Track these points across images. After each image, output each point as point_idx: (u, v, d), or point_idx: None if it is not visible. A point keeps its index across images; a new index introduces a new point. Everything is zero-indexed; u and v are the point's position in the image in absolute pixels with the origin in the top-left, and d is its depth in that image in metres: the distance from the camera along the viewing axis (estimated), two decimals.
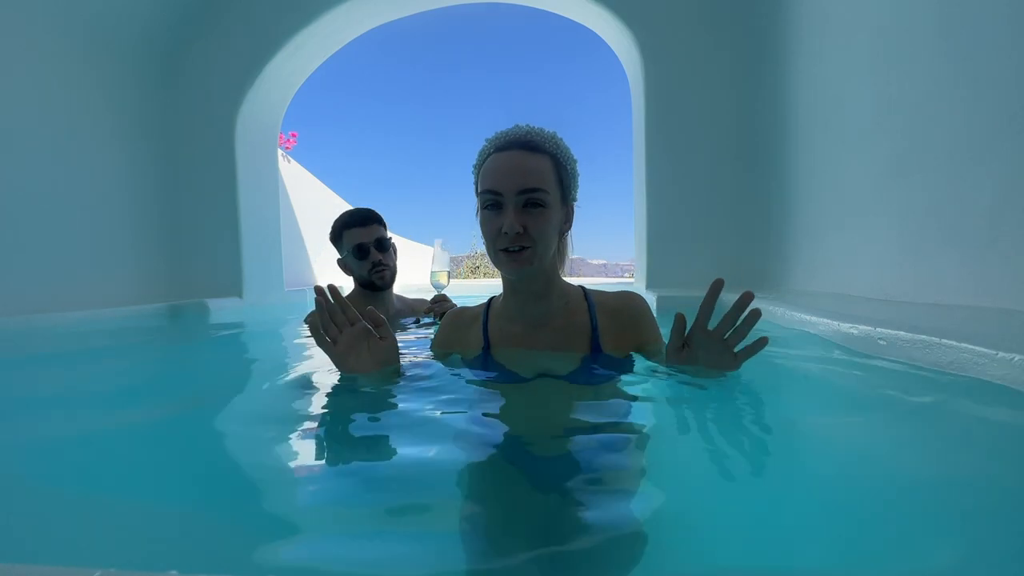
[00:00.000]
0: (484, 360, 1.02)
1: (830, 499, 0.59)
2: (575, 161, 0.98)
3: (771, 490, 0.61)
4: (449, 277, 1.97)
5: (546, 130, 0.96)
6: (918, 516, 0.53)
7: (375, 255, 1.77)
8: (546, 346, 0.99)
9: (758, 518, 0.54)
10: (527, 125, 0.96)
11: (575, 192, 0.99)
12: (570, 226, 1.00)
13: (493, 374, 0.97)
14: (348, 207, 6.97)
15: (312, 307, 1.93)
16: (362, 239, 1.77)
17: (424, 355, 1.17)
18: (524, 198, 0.88)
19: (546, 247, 0.91)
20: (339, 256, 1.86)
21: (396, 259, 1.88)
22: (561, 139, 0.97)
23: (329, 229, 1.86)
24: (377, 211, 1.85)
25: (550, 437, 0.72)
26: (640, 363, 1.02)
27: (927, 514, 0.54)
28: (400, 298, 2.01)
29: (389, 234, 1.88)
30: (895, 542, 0.48)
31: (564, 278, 1.05)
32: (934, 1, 1.71)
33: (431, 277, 1.97)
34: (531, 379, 0.93)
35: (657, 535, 0.50)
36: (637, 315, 1.02)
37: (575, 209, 1.01)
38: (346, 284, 1.90)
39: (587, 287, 1.06)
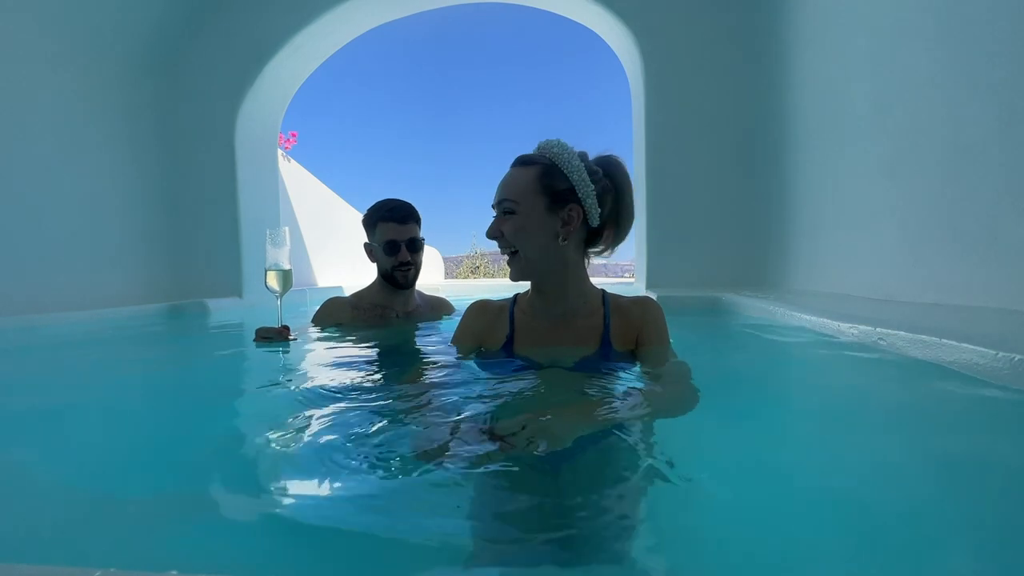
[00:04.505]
0: (507, 350, 1.07)
1: (830, 499, 0.58)
2: (577, 168, 0.96)
3: (770, 490, 0.61)
4: (286, 281, 1.52)
5: (551, 142, 1.00)
6: (919, 516, 0.53)
7: (405, 254, 1.74)
8: (564, 343, 1.05)
9: (756, 520, 0.54)
10: (544, 142, 1.02)
11: (580, 194, 0.96)
12: (571, 229, 0.97)
13: (514, 365, 1.03)
14: (347, 207, 7.00)
15: (310, 307, 1.95)
16: (396, 236, 1.73)
17: (440, 356, 1.19)
18: (501, 208, 0.99)
19: (528, 251, 0.98)
20: (367, 241, 1.83)
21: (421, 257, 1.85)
22: (562, 148, 0.99)
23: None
24: (416, 208, 1.81)
25: None
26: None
27: (928, 513, 0.54)
28: (420, 294, 1.98)
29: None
30: (896, 542, 0.48)
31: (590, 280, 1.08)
32: (933, 4, 1.71)
33: (265, 278, 1.55)
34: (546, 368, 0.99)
35: (653, 530, 0.50)
36: (645, 315, 1.05)
37: (581, 212, 0.97)
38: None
39: (607, 291, 1.10)
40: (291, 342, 1.52)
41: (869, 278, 2.07)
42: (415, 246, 1.78)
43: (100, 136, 3.14)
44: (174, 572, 0.33)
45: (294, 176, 5.41)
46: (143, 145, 3.46)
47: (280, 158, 4.61)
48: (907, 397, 0.95)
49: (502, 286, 4.77)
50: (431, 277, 10.50)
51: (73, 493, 0.64)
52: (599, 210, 0.97)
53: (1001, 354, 0.85)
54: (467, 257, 12.77)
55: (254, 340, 1.53)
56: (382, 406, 0.91)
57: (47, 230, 2.75)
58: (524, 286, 1.10)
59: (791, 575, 0.46)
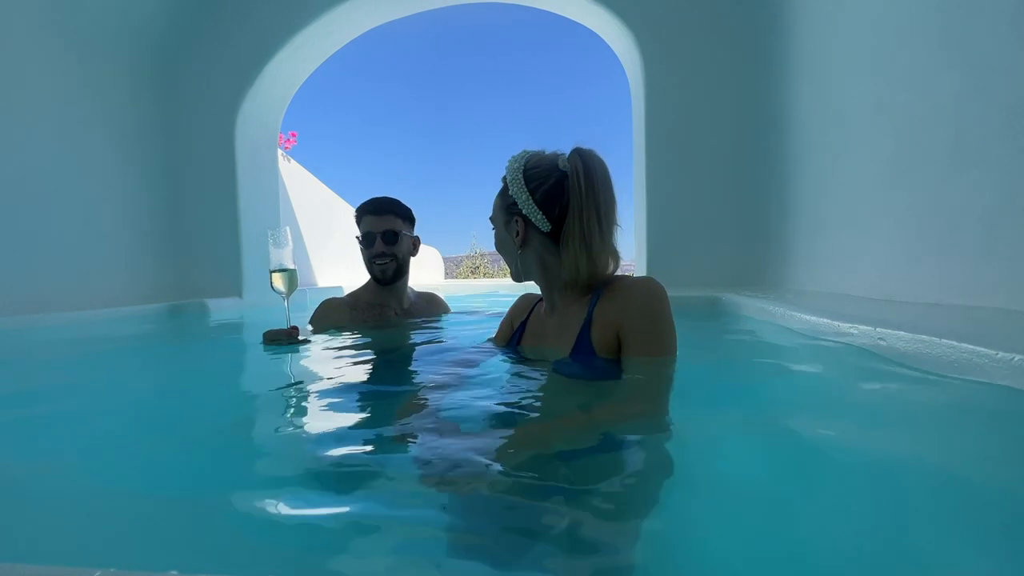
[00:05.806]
0: (514, 342, 1.18)
1: (828, 500, 0.58)
2: (512, 182, 1.01)
3: (768, 492, 0.61)
4: (291, 282, 1.53)
5: (512, 157, 1.05)
6: (918, 515, 0.53)
7: (380, 246, 1.68)
8: (549, 333, 1.07)
9: (753, 524, 0.54)
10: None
11: (520, 205, 1.00)
12: (520, 239, 1.03)
13: (509, 356, 1.13)
14: (348, 207, 7.01)
15: (311, 307, 1.94)
16: (370, 228, 1.69)
17: (440, 360, 1.20)
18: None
19: (506, 259, 1.12)
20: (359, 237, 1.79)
21: (412, 253, 1.79)
22: (511, 163, 1.04)
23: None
24: (402, 203, 1.75)
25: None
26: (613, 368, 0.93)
27: (927, 513, 0.54)
28: (413, 291, 1.93)
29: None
30: (896, 541, 0.48)
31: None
32: (934, 4, 1.71)
33: (270, 280, 1.54)
34: (531, 362, 1.06)
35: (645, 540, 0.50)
36: (625, 309, 0.91)
37: (528, 219, 1.00)
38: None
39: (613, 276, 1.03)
40: (300, 343, 1.52)
41: (869, 278, 2.07)
42: (391, 238, 1.70)
43: (100, 136, 3.14)
44: (174, 572, 0.33)
45: (294, 176, 5.42)
46: (143, 145, 3.46)
47: (280, 158, 4.62)
48: (907, 397, 0.95)
49: (502, 286, 4.77)
50: (431, 277, 10.49)
51: (73, 493, 0.64)
52: (540, 214, 0.98)
53: (1001, 354, 0.85)
54: (467, 257, 12.77)
55: (262, 343, 1.53)
56: (384, 411, 0.91)
57: (47, 230, 2.75)
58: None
59: None
